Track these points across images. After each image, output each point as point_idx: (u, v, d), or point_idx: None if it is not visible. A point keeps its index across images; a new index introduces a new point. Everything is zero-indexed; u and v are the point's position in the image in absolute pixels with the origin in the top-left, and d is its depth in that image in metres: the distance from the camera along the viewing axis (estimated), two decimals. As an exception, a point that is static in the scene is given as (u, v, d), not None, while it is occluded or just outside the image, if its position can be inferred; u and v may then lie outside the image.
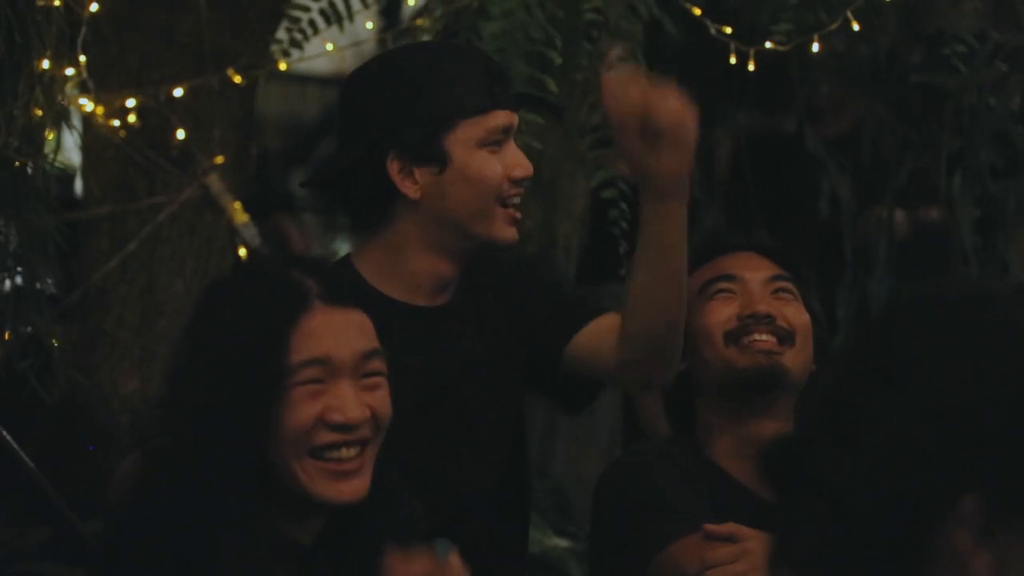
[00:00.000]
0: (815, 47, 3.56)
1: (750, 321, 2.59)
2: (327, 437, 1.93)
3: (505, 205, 2.51)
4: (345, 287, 2.04)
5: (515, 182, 2.50)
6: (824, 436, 1.21)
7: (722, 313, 2.62)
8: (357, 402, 1.93)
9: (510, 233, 2.51)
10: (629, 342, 2.48)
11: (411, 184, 2.46)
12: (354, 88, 2.57)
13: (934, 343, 1.22)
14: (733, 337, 2.60)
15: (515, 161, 2.50)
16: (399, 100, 2.49)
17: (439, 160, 2.46)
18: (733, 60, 3.50)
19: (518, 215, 2.52)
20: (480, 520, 2.56)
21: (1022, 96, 4.00)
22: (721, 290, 2.64)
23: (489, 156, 2.49)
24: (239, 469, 1.90)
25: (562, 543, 4.02)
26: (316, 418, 1.91)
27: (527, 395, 2.70)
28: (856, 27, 3.51)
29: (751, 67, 3.45)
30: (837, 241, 4.33)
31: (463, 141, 2.47)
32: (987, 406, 1.19)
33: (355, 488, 1.94)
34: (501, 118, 2.50)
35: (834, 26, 3.53)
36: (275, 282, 1.99)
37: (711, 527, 2.43)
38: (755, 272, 2.64)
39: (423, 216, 2.49)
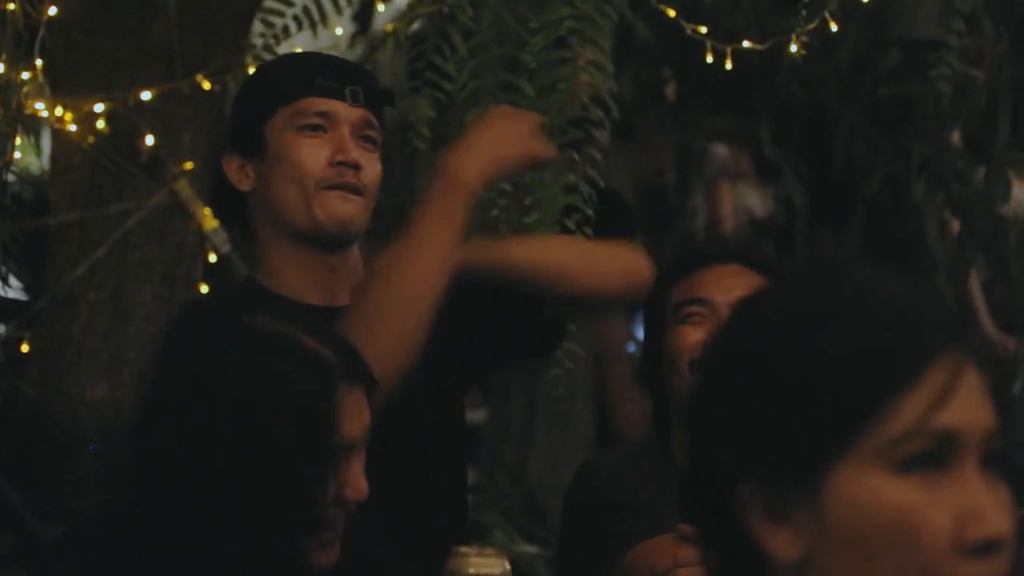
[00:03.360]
0: (792, 48, 3.55)
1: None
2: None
3: (330, 188, 2.48)
4: (357, 362, 1.98)
5: (335, 164, 2.48)
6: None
7: (689, 339, 2.59)
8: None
9: (335, 212, 2.47)
10: None
11: (244, 178, 2.52)
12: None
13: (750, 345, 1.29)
14: (699, 365, 2.57)
15: (338, 145, 2.48)
16: (236, 101, 2.63)
17: (259, 148, 2.50)
18: (710, 59, 3.48)
19: (350, 195, 2.48)
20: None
21: (987, 101, 3.99)
22: (691, 314, 2.61)
23: (304, 140, 2.48)
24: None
25: (531, 549, 4.01)
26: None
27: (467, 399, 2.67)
28: (835, 27, 3.50)
29: (728, 66, 3.43)
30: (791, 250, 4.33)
31: (278, 128, 2.49)
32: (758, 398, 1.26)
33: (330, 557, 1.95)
34: (316, 104, 2.49)
35: (812, 26, 3.51)
36: (302, 357, 1.93)
37: (685, 527, 2.43)
38: (727, 293, 2.60)
39: (262, 208, 2.51)
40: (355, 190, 2.49)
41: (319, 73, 2.52)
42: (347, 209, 2.48)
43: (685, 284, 2.63)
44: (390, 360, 2.29)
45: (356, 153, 2.49)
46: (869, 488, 1.22)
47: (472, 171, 2.44)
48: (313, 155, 2.48)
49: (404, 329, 2.37)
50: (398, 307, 2.37)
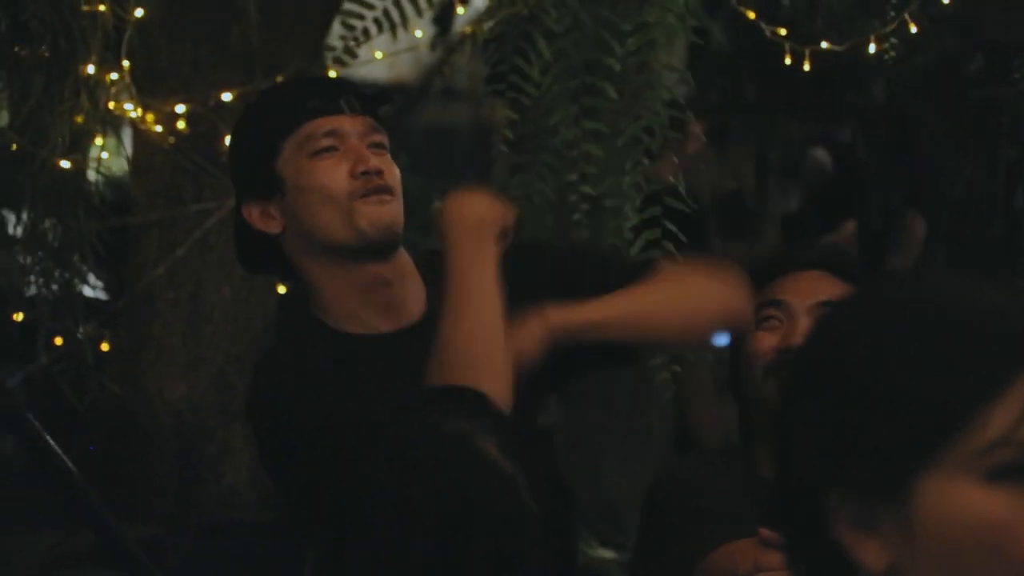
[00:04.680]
0: (872, 49, 3.51)
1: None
2: None
3: (362, 197, 2.44)
4: None
5: (359, 176, 2.44)
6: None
7: (763, 343, 2.57)
8: None
9: (375, 218, 2.43)
10: None
11: (270, 220, 2.45)
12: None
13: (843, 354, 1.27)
14: (773, 370, 2.55)
15: (356, 157, 2.44)
16: (236, 152, 2.53)
17: (277, 187, 2.45)
18: (788, 61, 3.45)
19: (384, 197, 2.44)
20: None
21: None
22: (767, 317, 2.59)
23: (320, 163, 2.44)
24: None
25: (607, 554, 4.00)
26: None
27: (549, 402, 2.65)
28: (913, 29, 3.45)
29: (807, 67, 3.40)
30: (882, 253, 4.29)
31: (289, 160, 2.45)
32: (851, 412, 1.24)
33: None
34: (318, 125, 2.46)
35: (891, 27, 3.48)
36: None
37: (767, 532, 2.40)
38: (804, 297, 2.57)
39: (297, 245, 2.46)
40: (387, 190, 2.45)
41: (310, 95, 2.48)
42: (387, 211, 2.45)
43: (767, 289, 2.61)
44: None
45: (374, 160, 2.45)
46: (958, 498, 1.20)
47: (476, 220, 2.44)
48: (334, 174, 2.44)
49: (487, 378, 2.35)
50: (473, 364, 2.35)
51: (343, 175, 2.43)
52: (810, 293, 2.56)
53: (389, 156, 2.49)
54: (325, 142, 2.44)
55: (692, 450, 4.40)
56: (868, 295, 1.36)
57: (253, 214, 2.46)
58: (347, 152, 2.45)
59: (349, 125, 2.47)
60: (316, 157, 2.44)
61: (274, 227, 2.45)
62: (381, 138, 2.49)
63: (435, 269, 2.47)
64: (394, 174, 2.48)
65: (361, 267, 2.45)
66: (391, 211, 2.44)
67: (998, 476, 1.20)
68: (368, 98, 2.52)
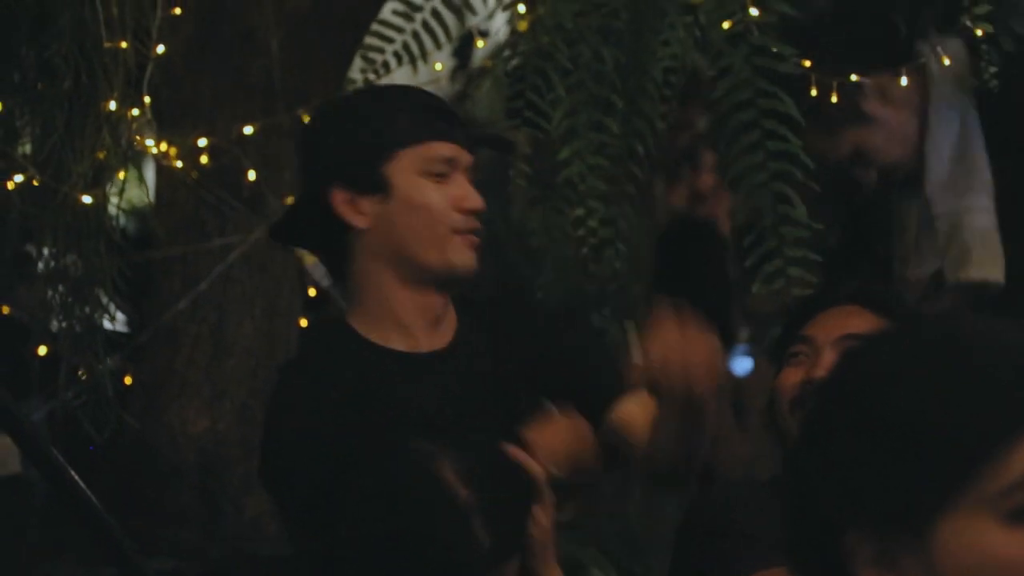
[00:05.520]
0: (903, 81, 3.50)
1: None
2: None
3: (460, 233, 2.50)
4: None
5: (465, 213, 2.50)
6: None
7: (789, 378, 2.59)
8: None
9: (467, 258, 2.50)
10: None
11: (357, 214, 2.48)
12: (304, 131, 2.65)
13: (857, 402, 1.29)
14: (798, 404, 2.57)
15: (463, 192, 2.50)
16: (341, 134, 2.53)
17: (381, 188, 2.48)
18: (814, 93, 3.45)
19: (475, 240, 2.51)
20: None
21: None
22: (795, 353, 2.61)
23: (432, 185, 2.49)
24: None
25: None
26: None
27: None
28: (947, 62, 3.45)
29: (834, 99, 3.40)
30: None
31: (403, 169, 2.48)
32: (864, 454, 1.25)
33: None
34: (442, 148, 2.50)
35: (922, 60, 3.47)
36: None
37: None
38: (830, 332, 2.58)
39: (377, 247, 2.50)
40: (478, 234, 2.54)
41: (437, 115, 2.54)
42: (474, 258, 2.53)
43: (799, 327, 2.63)
44: None
45: (481, 201, 2.53)
46: (978, 538, 1.20)
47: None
48: (443, 201, 2.50)
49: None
50: None
51: (448, 204, 2.49)
52: (837, 328, 2.57)
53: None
54: (441, 167, 2.50)
55: (717, 482, 4.40)
56: (892, 333, 1.36)
57: (338, 199, 2.48)
58: (456, 182, 2.51)
59: (463, 157, 2.54)
60: (429, 178, 2.49)
61: (360, 221, 2.49)
62: (471, 178, 2.57)
63: (469, 302, 2.56)
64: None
65: (428, 291, 2.51)
66: (475, 257, 2.53)
67: (1018, 517, 1.20)
68: (481, 138, 2.60)
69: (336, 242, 2.51)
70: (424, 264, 2.49)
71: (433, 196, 2.48)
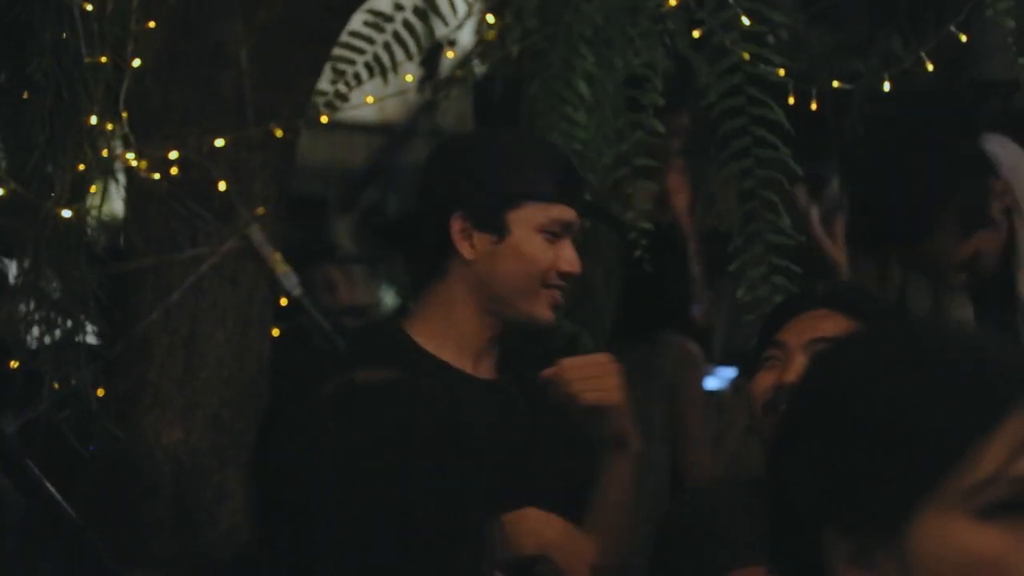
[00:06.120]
0: (886, 87, 3.54)
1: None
2: None
3: (548, 288, 2.68)
4: None
5: (562, 275, 2.68)
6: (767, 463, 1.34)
7: (761, 382, 2.63)
8: None
9: (548, 315, 2.69)
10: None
11: (468, 245, 2.65)
12: (439, 153, 2.82)
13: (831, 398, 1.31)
14: (770, 407, 2.61)
15: (568, 256, 2.69)
16: (477, 168, 2.70)
17: (499, 230, 2.65)
18: (792, 101, 3.48)
19: (559, 299, 2.69)
20: None
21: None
22: (768, 358, 2.65)
23: (544, 242, 2.67)
24: None
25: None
26: None
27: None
28: (930, 68, 3.47)
29: (813, 107, 3.44)
30: None
31: (524, 221, 2.66)
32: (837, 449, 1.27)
33: None
34: (565, 212, 2.69)
35: (908, 64, 3.50)
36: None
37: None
38: (801, 336, 2.62)
39: (473, 278, 2.66)
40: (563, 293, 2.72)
41: (568, 178, 2.72)
42: (552, 317, 2.71)
43: (775, 331, 2.67)
44: None
45: (579, 266, 2.71)
46: (952, 535, 1.23)
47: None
48: (547, 257, 2.68)
49: None
50: None
51: (551, 261, 2.67)
52: (808, 331, 2.61)
53: None
54: (557, 229, 2.69)
55: (690, 488, 4.42)
56: (861, 336, 1.39)
57: (456, 226, 2.67)
58: (563, 245, 2.69)
59: (576, 222, 2.74)
60: (543, 235, 2.67)
61: (468, 252, 2.68)
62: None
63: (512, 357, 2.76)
64: None
65: (497, 329, 2.71)
66: (553, 316, 2.72)
67: (991, 513, 1.23)
68: (590, 208, 2.75)
69: (436, 259, 2.68)
70: (511, 308, 2.67)
71: (542, 252, 2.67)
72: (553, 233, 2.67)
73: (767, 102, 3.26)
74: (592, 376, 2.59)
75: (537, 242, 2.66)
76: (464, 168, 2.70)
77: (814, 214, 4.65)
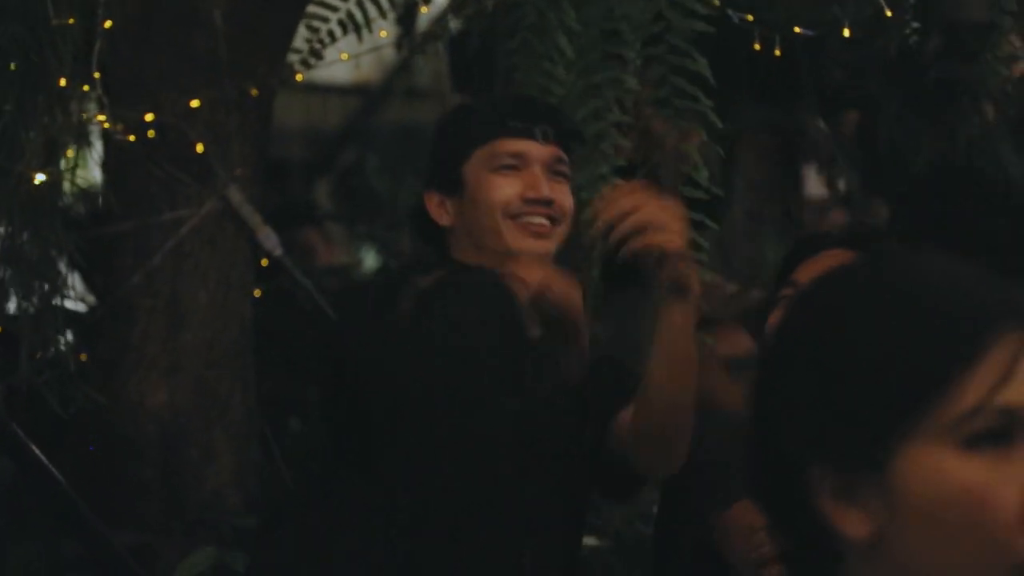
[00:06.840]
0: (846, 34, 3.53)
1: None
2: None
3: (517, 218, 2.68)
4: None
5: (528, 201, 2.67)
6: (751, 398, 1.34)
7: (774, 321, 2.67)
8: None
9: (530, 243, 2.67)
10: (639, 431, 2.58)
11: (444, 213, 2.72)
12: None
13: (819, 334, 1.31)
14: None
15: (529, 182, 2.67)
16: (436, 143, 2.81)
17: (458, 188, 2.70)
18: (757, 47, 3.47)
19: (542, 226, 2.68)
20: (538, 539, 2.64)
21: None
22: (782, 297, 2.71)
23: (499, 178, 2.68)
24: None
25: (590, 541, 4.02)
26: None
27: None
28: (888, 14, 3.47)
29: (777, 53, 3.43)
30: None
31: (474, 167, 2.70)
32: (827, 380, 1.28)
33: None
34: (510, 145, 2.69)
35: (868, 12, 3.50)
36: None
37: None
38: (813, 276, 2.65)
39: (462, 243, 2.71)
40: (551, 219, 2.70)
41: (510, 115, 2.73)
42: (540, 245, 2.70)
43: (791, 271, 2.70)
44: None
45: (547, 189, 2.69)
46: (936, 467, 1.24)
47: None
48: (504, 190, 2.69)
49: None
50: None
51: (513, 194, 2.68)
52: (821, 272, 2.63)
53: (567, 186, 2.75)
54: (508, 161, 2.69)
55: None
56: (845, 272, 1.39)
57: (432, 202, 2.75)
58: (525, 175, 2.69)
59: (536, 151, 2.73)
60: (496, 172, 2.69)
61: (444, 220, 2.74)
62: (564, 168, 2.75)
63: None
64: (566, 203, 2.73)
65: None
66: (544, 246, 2.70)
67: (974, 444, 1.24)
68: (565, 131, 2.73)
69: (436, 238, 2.75)
70: (497, 249, 2.67)
71: (492, 188, 2.68)
72: (508, 167, 2.69)
73: (690, 52, 3.22)
74: (657, 219, 2.49)
75: (491, 180, 2.69)
76: (431, 150, 2.82)
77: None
